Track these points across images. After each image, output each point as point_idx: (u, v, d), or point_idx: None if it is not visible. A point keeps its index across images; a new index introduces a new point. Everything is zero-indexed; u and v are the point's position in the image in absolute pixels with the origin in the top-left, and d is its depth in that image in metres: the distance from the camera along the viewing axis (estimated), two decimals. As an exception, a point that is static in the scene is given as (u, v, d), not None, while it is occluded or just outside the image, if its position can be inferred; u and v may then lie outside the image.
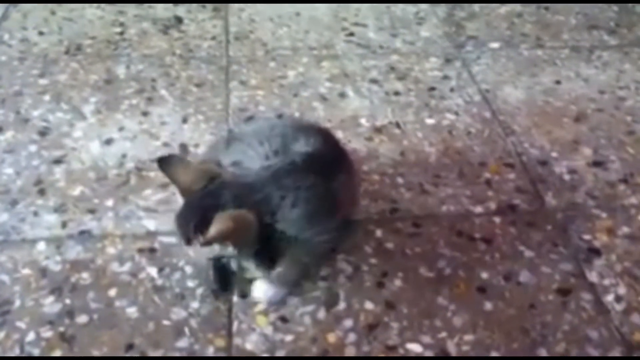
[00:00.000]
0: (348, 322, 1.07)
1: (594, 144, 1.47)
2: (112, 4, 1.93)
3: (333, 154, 1.11)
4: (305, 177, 1.01)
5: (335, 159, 1.10)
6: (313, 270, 1.14)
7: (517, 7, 2.03)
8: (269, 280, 1.08)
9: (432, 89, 1.64)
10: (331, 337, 1.05)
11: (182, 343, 1.02)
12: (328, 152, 1.09)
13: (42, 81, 1.61)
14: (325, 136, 1.14)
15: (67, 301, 1.08)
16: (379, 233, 1.23)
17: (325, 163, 1.06)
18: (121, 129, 1.45)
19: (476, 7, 2.02)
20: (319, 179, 1.02)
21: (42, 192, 1.29)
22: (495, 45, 1.83)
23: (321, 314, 1.08)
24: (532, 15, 1.99)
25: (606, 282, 1.15)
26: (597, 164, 1.41)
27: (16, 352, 1.01)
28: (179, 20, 1.88)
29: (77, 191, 1.29)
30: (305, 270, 1.11)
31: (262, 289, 1.09)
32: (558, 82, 1.68)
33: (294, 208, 0.98)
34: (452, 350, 1.03)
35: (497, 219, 1.27)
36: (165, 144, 1.40)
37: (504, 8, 2.02)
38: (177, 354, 1.01)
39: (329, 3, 1.98)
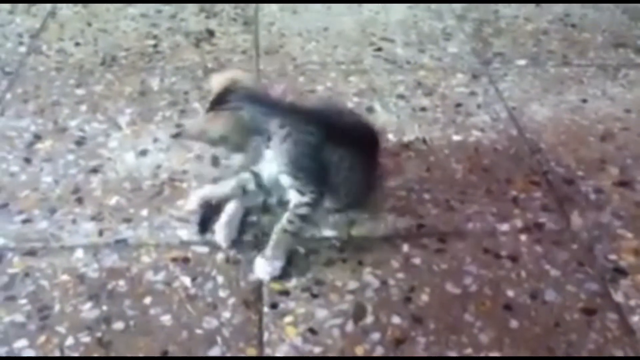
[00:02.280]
0: (375, 336, 1.09)
1: (620, 163, 1.48)
2: (146, 17, 1.99)
3: (362, 138, 1.27)
4: (315, 129, 1.18)
5: (362, 142, 1.27)
6: (301, 235, 1.23)
7: (544, 24, 2.05)
8: (265, 258, 1.17)
9: (459, 105, 1.66)
10: (359, 350, 1.07)
11: (215, 352, 1.06)
12: (358, 135, 1.26)
13: (79, 91, 1.67)
14: (367, 129, 1.31)
15: (104, 308, 1.12)
16: (405, 248, 1.25)
17: (349, 136, 1.23)
18: (155, 140, 1.49)
19: (503, 23, 2.04)
20: (332, 142, 1.20)
21: (79, 201, 1.33)
22: (521, 62, 1.85)
23: (349, 326, 1.11)
24: (559, 32, 2.01)
25: (632, 302, 1.16)
26: (623, 183, 1.42)
27: (56, 355, 1.05)
28: (210, 33, 1.93)
29: (113, 200, 1.34)
30: (292, 239, 1.21)
31: (261, 267, 1.17)
32: (584, 101, 1.69)
33: (284, 143, 1.17)
34: (478, 366, 1.05)
35: (523, 237, 1.28)
36: (198, 157, 1.44)
37: (531, 25, 2.04)
38: (209, 363, 1.04)
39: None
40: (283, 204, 1.26)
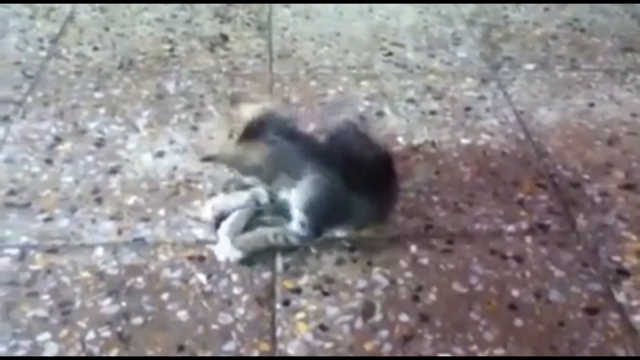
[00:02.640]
0: (384, 333, 1.13)
1: (626, 167, 1.51)
2: (162, 22, 2.04)
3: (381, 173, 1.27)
4: (339, 180, 1.19)
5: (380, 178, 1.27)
6: (279, 244, 1.26)
7: (553, 28, 2.08)
8: (232, 243, 1.24)
9: (468, 109, 1.70)
10: (368, 346, 1.11)
11: (229, 346, 1.10)
12: (371, 171, 1.24)
13: (98, 94, 1.72)
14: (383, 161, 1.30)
15: (123, 303, 1.17)
16: (413, 249, 1.29)
17: (370, 180, 1.23)
18: (172, 142, 1.54)
19: (512, 28, 2.07)
20: (354, 191, 1.20)
21: (99, 201, 1.38)
22: (530, 66, 1.88)
23: (358, 323, 1.15)
24: (568, 37, 2.04)
25: (634, 302, 1.19)
26: (628, 186, 1.45)
27: (78, 349, 1.09)
28: (224, 38, 1.97)
29: (131, 200, 1.38)
30: (265, 247, 1.25)
31: (224, 248, 1.24)
32: (592, 105, 1.72)
33: (310, 187, 1.19)
34: (483, 363, 1.09)
35: (528, 239, 1.32)
36: (213, 158, 1.49)
37: (540, 30, 2.07)
38: (224, 357, 1.09)
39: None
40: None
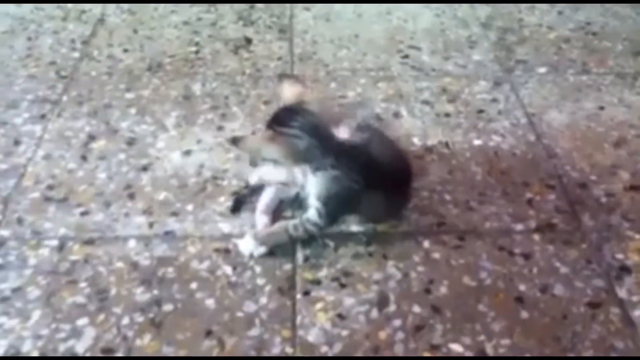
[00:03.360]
0: (397, 322, 1.21)
1: (632, 168, 1.57)
2: (188, 25, 2.13)
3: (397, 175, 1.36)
4: (360, 180, 1.27)
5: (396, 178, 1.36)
6: (297, 236, 1.33)
7: (566, 32, 2.13)
8: (255, 239, 1.32)
9: (481, 111, 1.76)
10: (382, 335, 1.19)
11: (253, 332, 1.19)
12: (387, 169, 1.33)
13: (128, 95, 1.81)
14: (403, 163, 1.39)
15: (155, 292, 1.26)
16: (426, 244, 1.37)
17: (387, 181, 1.31)
18: (199, 141, 1.63)
19: (526, 31, 2.13)
20: (371, 189, 1.28)
21: (131, 196, 1.48)
22: (542, 70, 1.94)
23: (374, 313, 1.23)
24: (580, 40, 2.09)
25: (634, 298, 1.26)
26: (633, 188, 1.52)
27: (114, 333, 1.19)
28: (248, 41, 2.06)
29: (161, 196, 1.48)
30: (287, 239, 1.33)
31: (248, 244, 1.32)
32: (601, 108, 1.78)
33: (330, 181, 1.27)
34: (490, 352, 1.16)
35: (536, 237, 1.39)
36: (237, 157, 1.57)
37: (553, 33, 2.13)
38: (249, 342, 1.17)
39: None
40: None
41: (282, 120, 1.27)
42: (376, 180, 1.29)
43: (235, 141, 1.29)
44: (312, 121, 1.27)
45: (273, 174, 1.41)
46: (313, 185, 1.30)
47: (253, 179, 1.44)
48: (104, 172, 1.55)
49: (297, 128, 1.25)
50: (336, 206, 1.31)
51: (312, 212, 1.31)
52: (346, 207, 1.34)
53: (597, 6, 2.28)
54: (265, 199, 1.41)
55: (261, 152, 1.28)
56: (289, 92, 1.32)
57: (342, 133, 1.32)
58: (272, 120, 1.29)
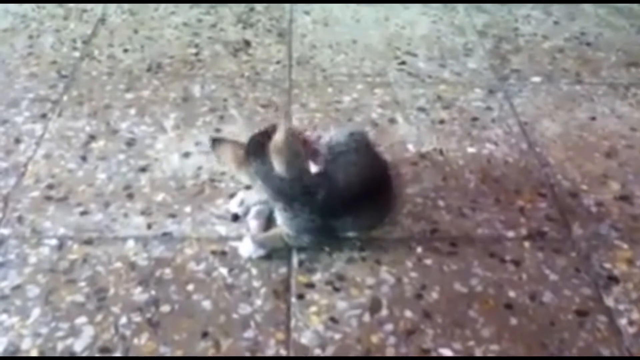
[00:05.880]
0: (389, 327, 1.24)
1: (622, 179, 1.60)
2: (188, 27, 2.15)
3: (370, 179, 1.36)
4: (317, 218, 1.30)
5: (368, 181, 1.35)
6: (291, 245, 1.36)
7: (560, 42, 2.16)
8: (254, 241, 1.34)
9: (475, 119, 1.79)
10: (374, 338, 1.22)
11: (248, 334, 1.21)
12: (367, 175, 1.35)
13: (128, 96, 1.83)
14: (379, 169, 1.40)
15: (153, 292, 1.28)
16: (419, 250, 1.40)
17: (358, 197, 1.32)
18: (197, 143, 1.66)
19: (522, 41, 2.16)
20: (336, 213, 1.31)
21: (130, 197, 1.50)
22: (536, 79, 1.98)
23: (366, 317, 1.25)
24: (574, 50, 2.13)
25: (621, 307, 1.29)
26: (623, 198, 1.55)
27: (112, 333, 1.21)
28: (247, 43, 2.08)
29: (160, 197, 1.50)
30: (283, 244, 1.35)
31: (247, 246, 1.34)
32: (593, 118, 1.81)
33: (287, 220, 1.31)
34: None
35: (526, 244, 1.42)
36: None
37: (548, 43, 2.16)
38: (244, 344, 1.20)
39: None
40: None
41: (255, 147, 1.28)
42: (349, 199, 1.30)
43: (214, 143, 1.33)
44: (267, 167, 1.25)
45: (252, 196, 1.43)
46: (280, 215, 1.33)
47: (235, 203, 1.45)
48: (103, 172, 1.57)
49: (257, 167, 1.27)
50: (300, 241, 1.35)
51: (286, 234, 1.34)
52: (313, 235, 1.35)
53: (592, 16, 2.31)
54: (256, 206, 1.43)
55: (231, 171, 1.32)
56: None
57: (313, 167, 1.30)
58: (248, 144, 1.29)
